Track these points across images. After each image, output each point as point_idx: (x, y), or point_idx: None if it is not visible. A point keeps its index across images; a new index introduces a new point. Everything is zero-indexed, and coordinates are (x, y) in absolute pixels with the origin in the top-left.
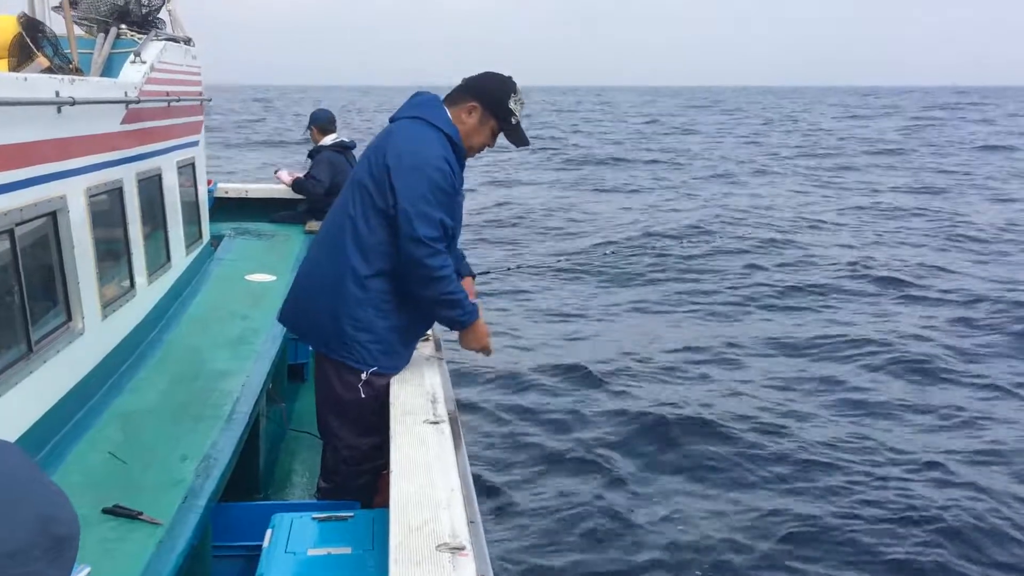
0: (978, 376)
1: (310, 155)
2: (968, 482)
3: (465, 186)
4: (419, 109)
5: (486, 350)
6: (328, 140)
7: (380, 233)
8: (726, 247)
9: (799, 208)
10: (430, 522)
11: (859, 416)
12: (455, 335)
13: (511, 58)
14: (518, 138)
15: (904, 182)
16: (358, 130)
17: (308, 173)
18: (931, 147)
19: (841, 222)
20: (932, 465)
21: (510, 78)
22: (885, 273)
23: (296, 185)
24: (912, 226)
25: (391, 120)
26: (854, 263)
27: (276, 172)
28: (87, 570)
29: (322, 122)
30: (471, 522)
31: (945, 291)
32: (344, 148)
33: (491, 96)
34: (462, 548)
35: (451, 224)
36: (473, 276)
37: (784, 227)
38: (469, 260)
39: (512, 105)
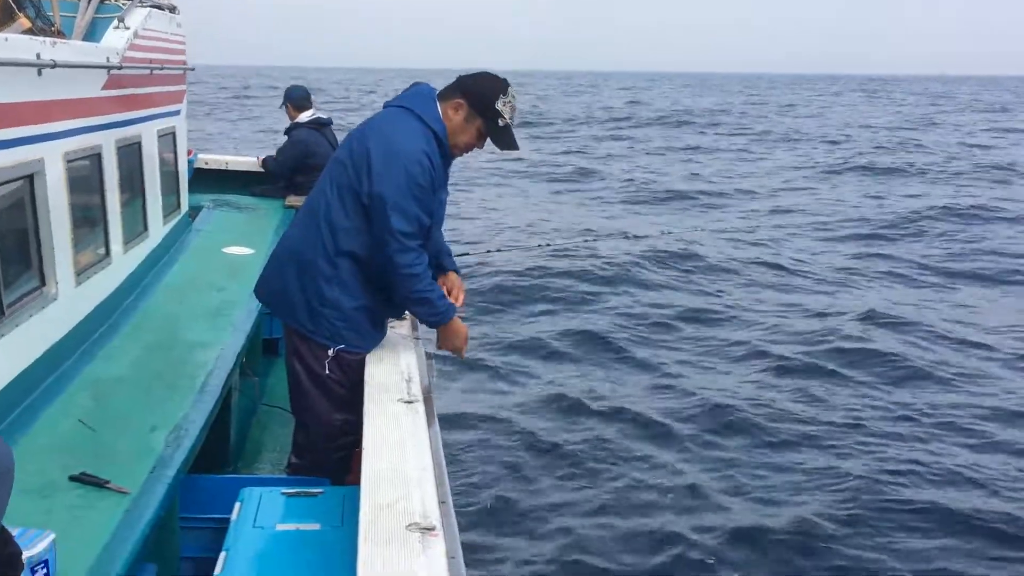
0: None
1: (286, 132)
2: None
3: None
4: (411, 100)
5: (459, 352)
6: (304, 117)
7: (353, 216)
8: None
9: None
10: (401, 501)
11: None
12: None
13: (510, 48)
14: (504, 141)
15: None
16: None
17: (277, 154)
18: None
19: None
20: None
21: (504, 80)
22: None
23: (264, 164)
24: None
25: (384, 106)
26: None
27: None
28: (52, 536)
29: (296, 99)
30: (442, 502)
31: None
32: (320, 125)
33: (478, 94)
34: (432, 528)
35: (427, 221)
36: (457, 271)
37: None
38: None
39: (500, 106)
